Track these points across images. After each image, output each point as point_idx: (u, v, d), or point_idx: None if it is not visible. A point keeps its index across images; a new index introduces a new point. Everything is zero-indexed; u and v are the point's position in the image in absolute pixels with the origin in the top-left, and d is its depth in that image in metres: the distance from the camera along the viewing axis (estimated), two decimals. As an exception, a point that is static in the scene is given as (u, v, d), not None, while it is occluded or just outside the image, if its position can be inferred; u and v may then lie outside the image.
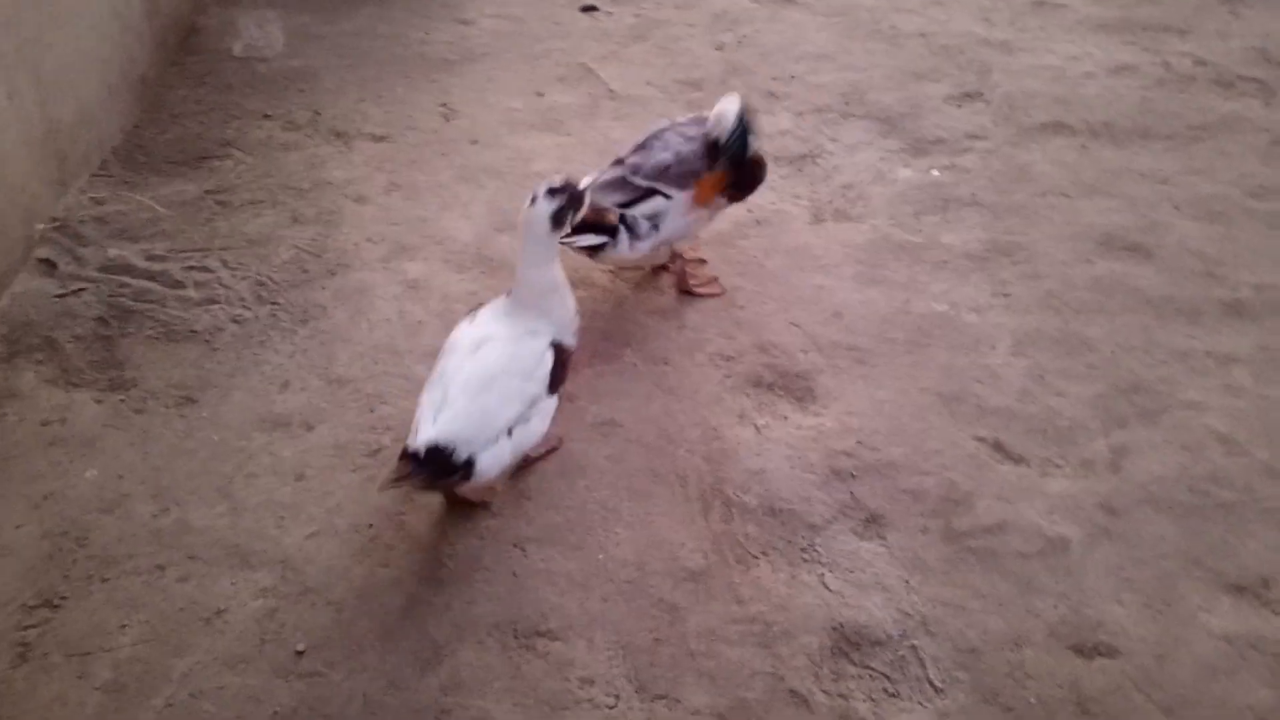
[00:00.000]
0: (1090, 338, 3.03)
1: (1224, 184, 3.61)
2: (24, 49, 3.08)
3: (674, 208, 2.92)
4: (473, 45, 4.43)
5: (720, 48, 4.46)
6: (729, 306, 3.14)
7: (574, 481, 2.59)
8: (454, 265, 3.24)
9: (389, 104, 4.01)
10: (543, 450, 2.62)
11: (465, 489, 2.43)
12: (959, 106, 4.06)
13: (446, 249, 3.31)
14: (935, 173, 3.71)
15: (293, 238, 3.31)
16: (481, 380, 2.33)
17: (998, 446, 2.71)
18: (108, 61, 3.59)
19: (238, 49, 4.28)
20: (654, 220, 2.90)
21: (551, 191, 2.43)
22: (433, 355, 2.84)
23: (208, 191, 3.50)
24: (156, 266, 3.17)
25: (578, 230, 2.73)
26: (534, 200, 2.42)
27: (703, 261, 3.27)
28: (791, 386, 2.89)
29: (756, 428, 2.75)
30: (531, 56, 4.36)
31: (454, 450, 2.23)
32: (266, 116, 3.90)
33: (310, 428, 2.70)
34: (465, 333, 2.46)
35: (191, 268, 3.17)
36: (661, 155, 2.92)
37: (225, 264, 3.20)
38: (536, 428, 2.45)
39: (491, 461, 2.31)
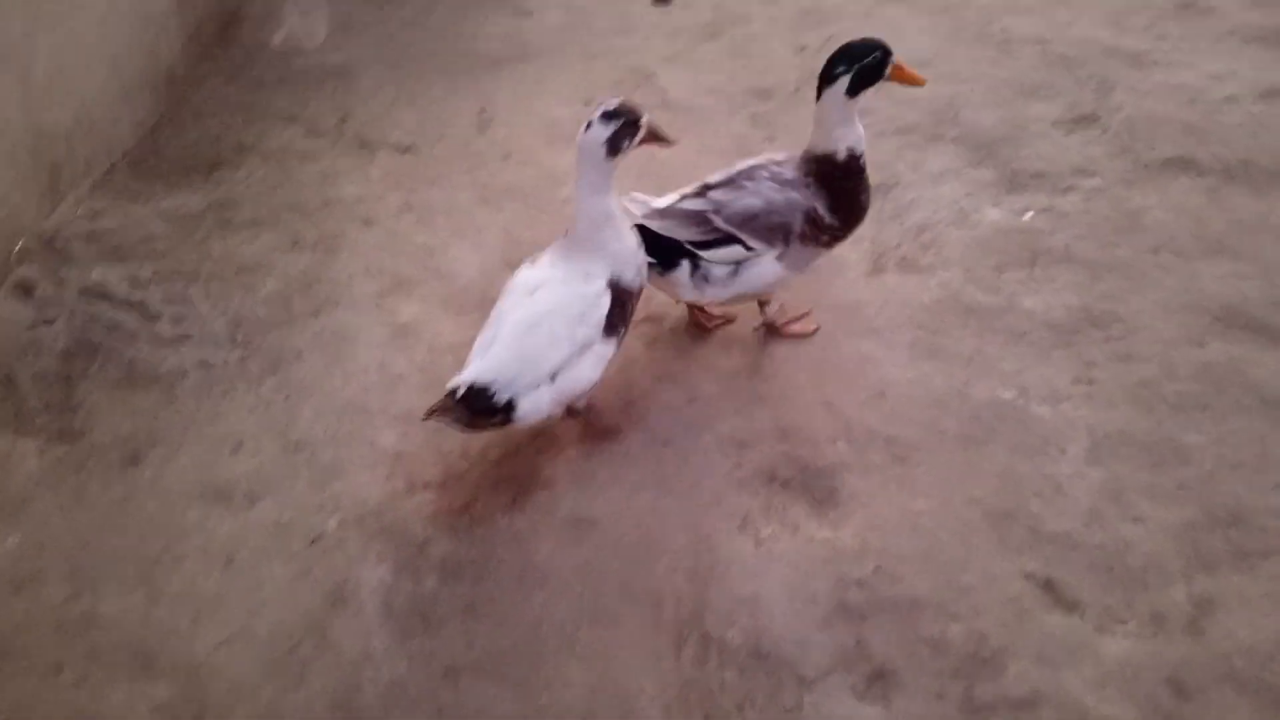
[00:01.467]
0: (1187, 446, 2.49)
1: (1388, 248, 2.96)
2: (6, 53, 2.86)
3: (756, 264, 2.56)
4: (528, 40, 4.05)
5: (802, 50, 3.96)
6: (752, 376, 2.71)
7: (531, 594, 2.23)
8: (452, 307, 2.90)
9: (424, 107, 3.69)
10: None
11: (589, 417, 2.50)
12: (1069, 133, 3.47)
13: (448, 286, 2.97)
14: (1028, 215, 3.16)
15: (285, 266, 3.03)
16: (529, 323, 2.28)
17: (1048, 586, 2.22)
18: (121, 59, 3.36)
19: (278, 40, 4.02)
20: (731, 270, 2.55)
21: (607, 116, 2.29)
22: (405, 418, 2.56)
23: (211, 206, 3.25)
24: (136, 295, 2.93)
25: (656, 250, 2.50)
26: (589, 125, 2.30)
27: (729, 321, 2.87)
28: (810, 485, 2.45)
29: (758, 539, 2.34)
30: (589, 55, 3.96)
31: (494, 391, 2.22)
32: (291, 119, 3.63)
33: (253, 501, 2.42)
34: (525, 275, 2.39)
35: (172, 298, 2.93)
36: (750, 200, 2.53)
37: (208, 294, 2.94)
38: (586, 373, 2.35)
39: (533, 405, 2.28)
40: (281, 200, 3.27)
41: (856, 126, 2.54)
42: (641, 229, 2.50)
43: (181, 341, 2.80)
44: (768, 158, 2.66)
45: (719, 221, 2.52)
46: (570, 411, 2.49)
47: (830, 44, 3.93)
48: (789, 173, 2.58)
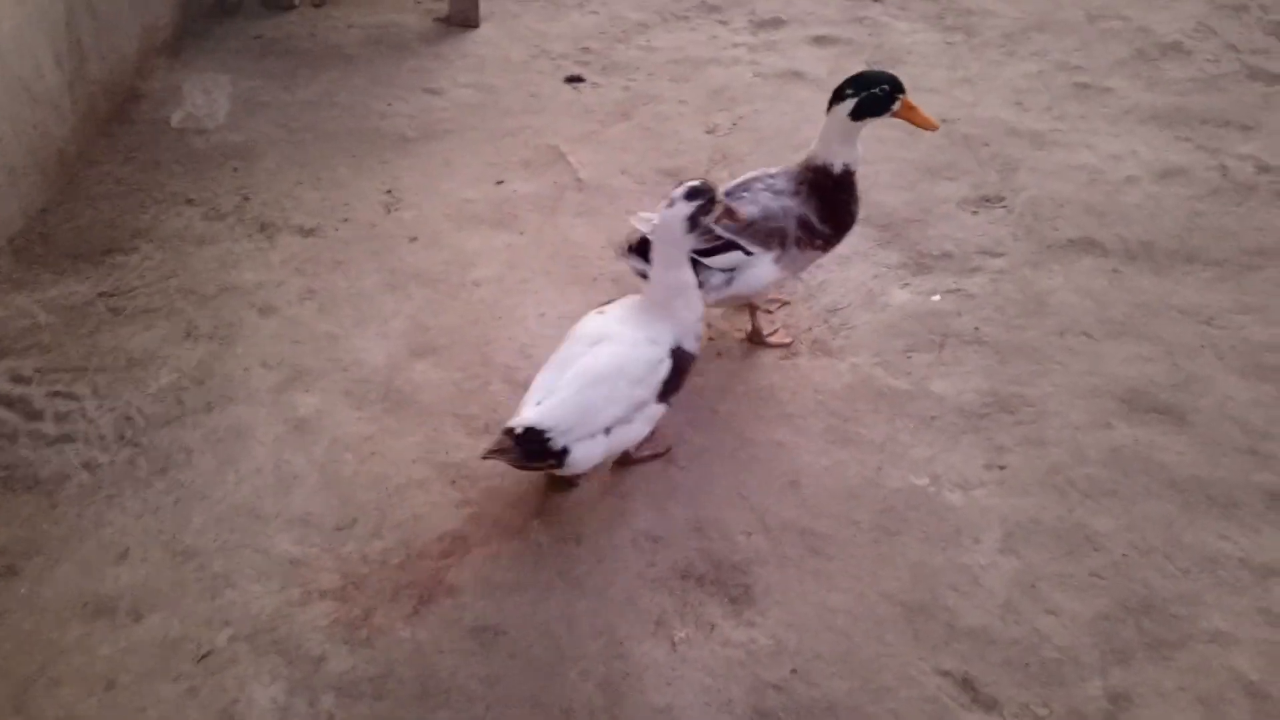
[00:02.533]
0: (1098, 533, 2.49)
1: (1281, 328, 3.03)
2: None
3: (754, 266, 2.73)
4: (436, 120, 4.00)
5: (712, 130, 3.98)
6: (667, 466, 2.66)
7: (433, 712, 2.12)
8: (354, 399, 2.80)
9: (328, 188, 3.60)
10: (646, 454, 2.66)
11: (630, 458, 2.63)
12: (975, 213, 3.53)
13: (350, 376, 2.87)
14: (936, 298, 3.18)
15: (178, 359, 2.90)
16: (592, 377, 2.37)
17: (966, 684, 2.18)
18: (6, 138, 3.22)
19: (176, 119, 3.91)
20: (729, 274, 2.73)
21: (690, 194, 2.43)
22: (302, 520, 2.46)
23: (101, 294, 3.11)
24: (17, 391, 2.78)
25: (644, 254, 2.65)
26: (672, 203, 2.43)
27: (785, 303, 3.06)
28: (726, 582, 2.39)
29: (673, 643, 2.26)
30: (499, 134, 3.92)
31: (550, 437, 2.30)
32: (189, 202, 3.51)
33: (139, 617, 2.27)
34: (593, 322, 2.51)
35: (57, 393, 2.78)
36: (749, 209, 2.69)
37: (95, 390, 2.79)
38: (638, 430, 2.48)
39: (585, 454, 2.37)
40: (176, 287, 3.15)
41: (856, 147, 2.74)
42: (646, 242, 2.64)
43: (65, 441, 2.65)
44: (761, 170, 2.85)
45: (719, 229, 2.65)
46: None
47: (740, 124, 4.00)
48: (782, 183, 2.77)
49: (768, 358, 2.97)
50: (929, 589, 2.37)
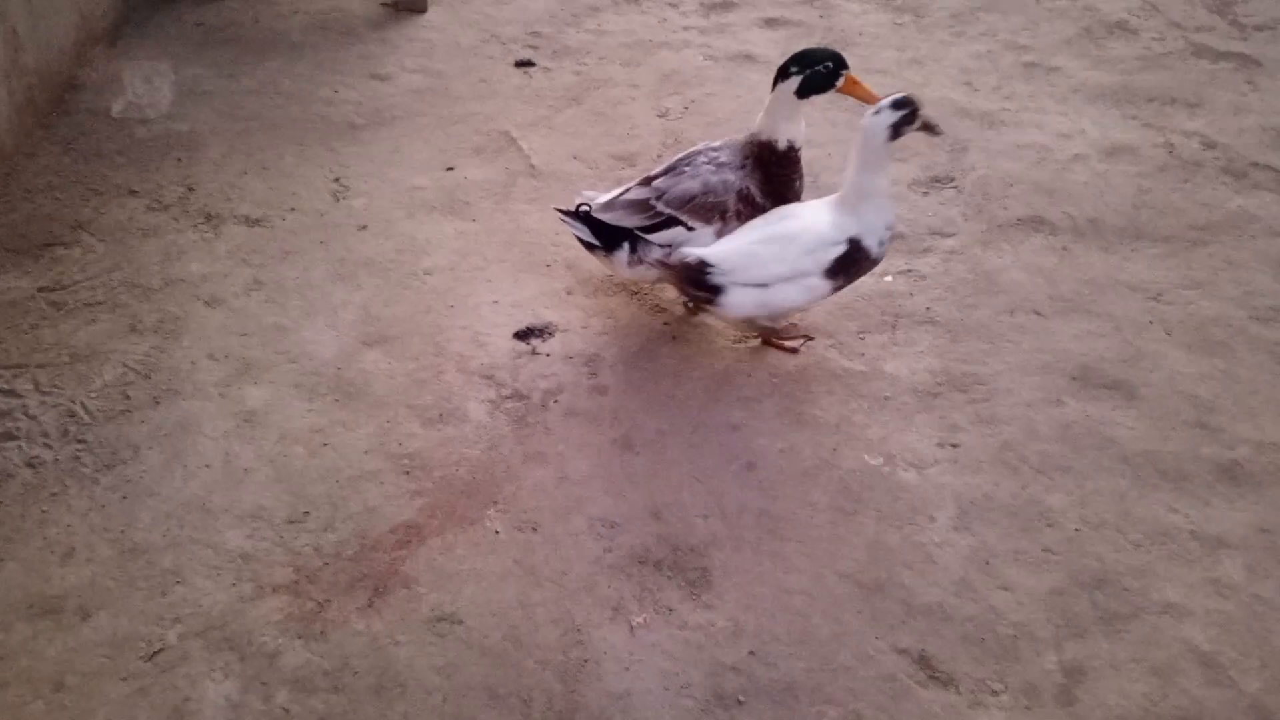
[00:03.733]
0: (1051, 508, 2.51)
1: (1227, 302, 3.07)
2: None
3: (695, 240, 2.78)
4: (385, 106, 3.95)
5: (664, 114, 3.96)
6: (624, 452, 2.64)
7: (390, 705, 2.10)
8: (304, 391, 2.76)
9: (275, 178, 3.54)
10: (787, 342, 2.91)
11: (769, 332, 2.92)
12: (925, 194, 3.54)
13: (300, 369, 2.83)
14: (889, 278, 3.19)
15: (123, 353, 2.84)
16: (767, 236, 2.69)
17: (923, 662, 2.20)
18: (-60, 133, 3.13)
19: (117, 108, 3.82)
20: (667, 249, 2.78)
21: (895, 105, 2.61)
22: (253, 515, 2.43)
23: (42, 289, 3.04)
24: (-45, 389, 2.71)
25: (593, 226, 2.80)
26: (878, 111, 2.61)
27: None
28: (683, 565, 2.39)
29: (631, 627, 2.25)
30: (449, 120, 3.88)
31: (711, 272, 2.66)
32: (132, 193, 3.43)
33: (86, 615, 2.23)
34: (788, 207, 2.80)
35: (-3, 390, 2.71)
36: (688, 184, 2.78)
37: (38, 386, 2.73)
38: (792, 295, 2.71)
39: (738, 300, 2.70)
40: (120, 281, 3.08)
41: (800, 124, 2.80)
42: (591, 219, 2.78)
43: (6, 439, 2.59)
44: (705, 144, 2.90)
45: (661, 206, 2.77)
46: (762, 334, 2.94)
47: (692, 108, 3.99)
48: (725, 156, 2.83)
49: (717, 344, 2.97)
50: (885, 568, 2.38)
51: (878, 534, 2.46)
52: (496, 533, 2.44)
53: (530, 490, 2.54)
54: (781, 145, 2.79)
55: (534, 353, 2.90)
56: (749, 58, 4.31)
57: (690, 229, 2.77)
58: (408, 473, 2.55)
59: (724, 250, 2.68)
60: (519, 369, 2.84)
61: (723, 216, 2.79)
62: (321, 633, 2.21)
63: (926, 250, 3.29)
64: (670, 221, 2.76)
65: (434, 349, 2.89)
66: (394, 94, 4.02)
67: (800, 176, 2.88)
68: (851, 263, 2.71)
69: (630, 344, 2.94)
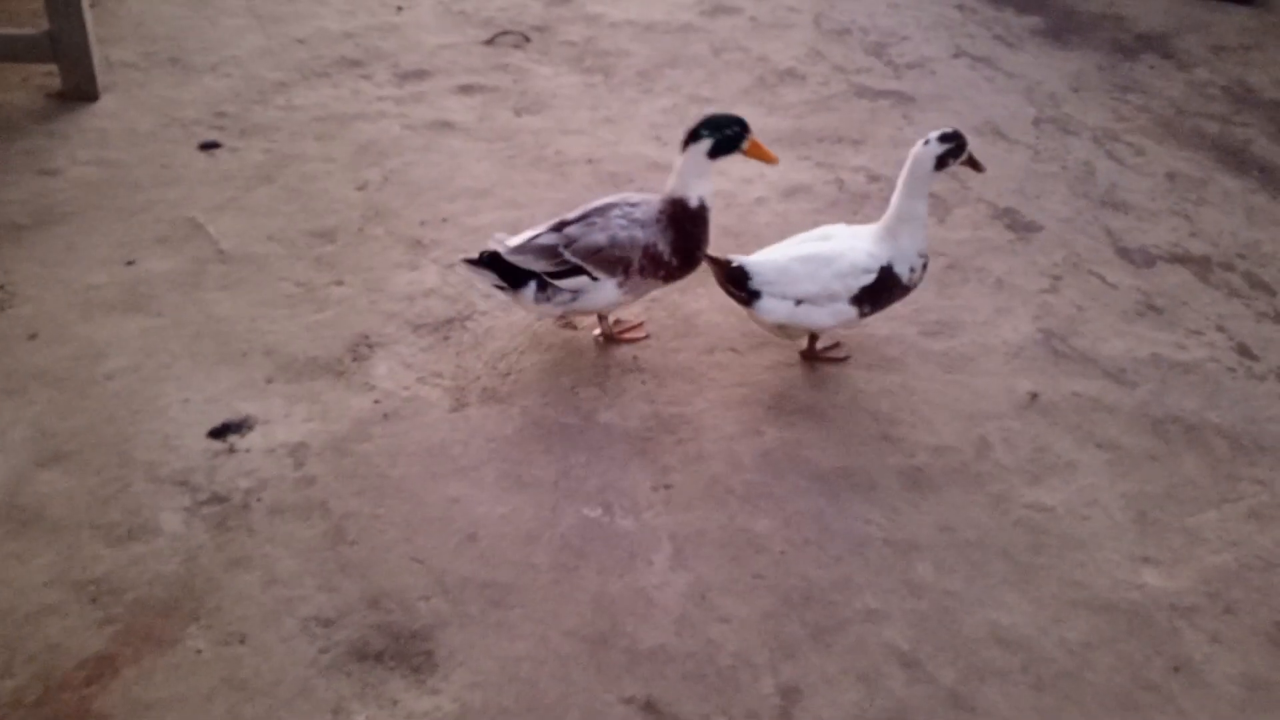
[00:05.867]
0: (758, 534, 2.63)
1: (898, 321, 3.34)
2: None
3: (598, 289, 2.93)
4: (55, 202, 3.68)
5: (363, 187, 3.90)
6: (337, 544, 2.55)
7: None
8: (-30, 526, 2.50)
9: (-74, 292, 3.22)
10: (830, 354, 3.17)
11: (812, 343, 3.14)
12: (624, 245, 3.65)
13: (-36, 501, 2.57)
14: (596, 332, 3.27)
15: None
16: (804, 255, 2.92)
17: (649, 707, 2.24)
18: None
19: None
20: (574, 295, 2.94)
21: (943, 138, 2.86)
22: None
23: None
24: None
25: (499, 268, 2.92)
26: (927, 141, 2.86)
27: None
28: (406, 652, 2.32)
29: (352, 727, 2.17)
30: (128, 212, 3.66)
31: (750, 277, 2.90)
32: None
33: None
34: (830, 229, 3.06)
35: None
36: (596, 236, 2.90)
37: None
38: (820, 318, 2.93)
39: (769, 307, 2.92)
40: None
41: (709, 183, 2.96)
42: (498, 261, 2.90)
43: None
44: (622, 197, 3.03)
45: (568, 255, 2.89)
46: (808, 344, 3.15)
47: (392, 178, 3.95)
48: (640, 213, 2.95)
49: (432, 415, 2.93)
50: (609, 618, 2.41)
51: (600, 585, 2.49)
52: (199, 651, 2.29)
53: (235, 599, 2.40)
54: (694, 203, 2.93)
55: (232, 450, 2.76)
56: (447, 124, 4.33)
57: (595, 279, 2.91)
58: (94, 600, 2.36)
59: (765, 260, 2.92)
60: (215, 470, 2.70)
61: (626, 270, 2.92)
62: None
63: (628, 300, 3.39)
64: (576, 270, 2.89)
65: (119, 460, 2.70)
66: (65, 189, 3.76)
67: (707, 236, 3.00)
68: (881, 291, 2.92)
69: (338, 427, 2.86)
